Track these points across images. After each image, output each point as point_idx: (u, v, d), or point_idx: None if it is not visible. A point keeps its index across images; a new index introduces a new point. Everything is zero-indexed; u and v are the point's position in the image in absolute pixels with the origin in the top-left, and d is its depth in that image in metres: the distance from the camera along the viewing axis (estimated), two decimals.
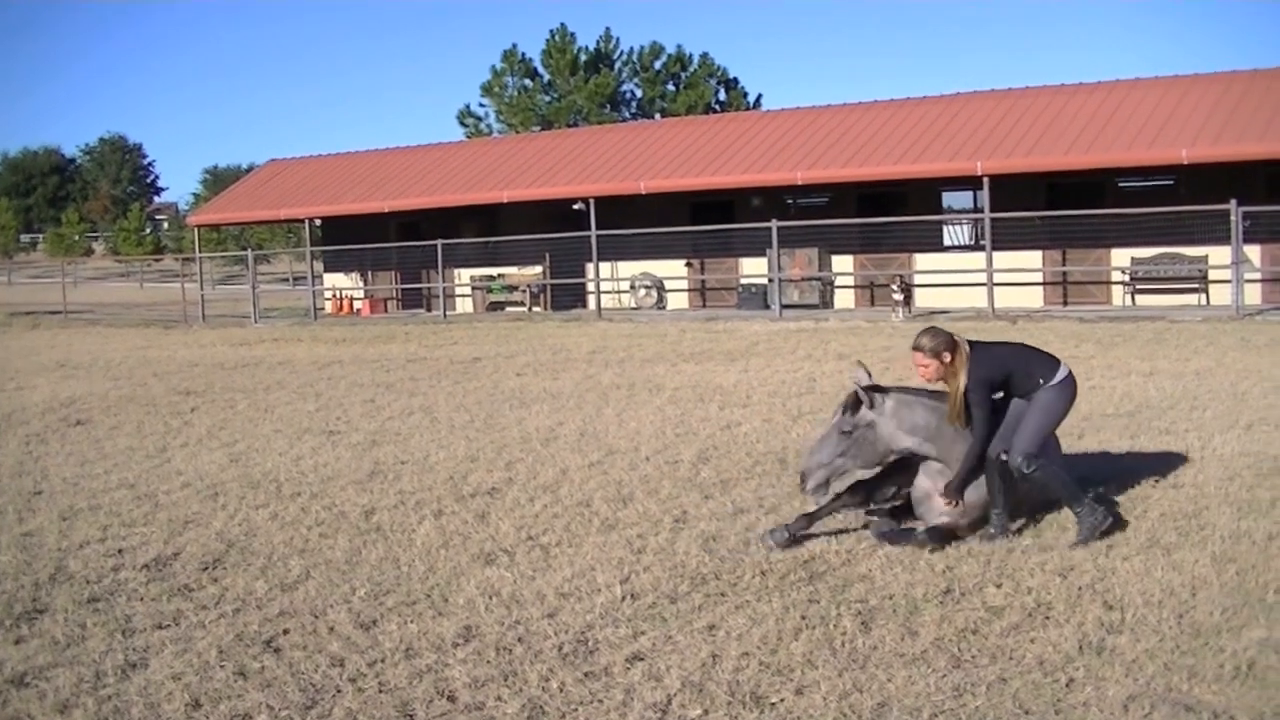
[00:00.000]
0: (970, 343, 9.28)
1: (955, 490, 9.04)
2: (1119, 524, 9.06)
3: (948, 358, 9.15)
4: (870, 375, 9.22)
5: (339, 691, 6.34)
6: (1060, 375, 9.32)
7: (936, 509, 9.17)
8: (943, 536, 8.88)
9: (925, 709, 5.90)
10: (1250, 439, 12.75)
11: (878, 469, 9.58)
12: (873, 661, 6.56)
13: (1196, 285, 34.25)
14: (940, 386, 9.33)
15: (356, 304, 47.45)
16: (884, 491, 9.66)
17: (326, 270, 50.42)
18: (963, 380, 9.05)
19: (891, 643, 6.84)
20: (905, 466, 9.57)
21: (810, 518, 9.31)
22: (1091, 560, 8.38)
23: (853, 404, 9.20)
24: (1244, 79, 34.82)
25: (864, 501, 9.59)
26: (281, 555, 9.20)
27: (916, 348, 9.26)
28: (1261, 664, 6.35)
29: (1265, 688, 6.05)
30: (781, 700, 6.07)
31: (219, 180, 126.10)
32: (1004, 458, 9.04)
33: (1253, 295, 32.82)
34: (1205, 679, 6.19)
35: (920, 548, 8.69)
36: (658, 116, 78.61)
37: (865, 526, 9.39)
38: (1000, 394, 9.25)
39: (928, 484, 9.29)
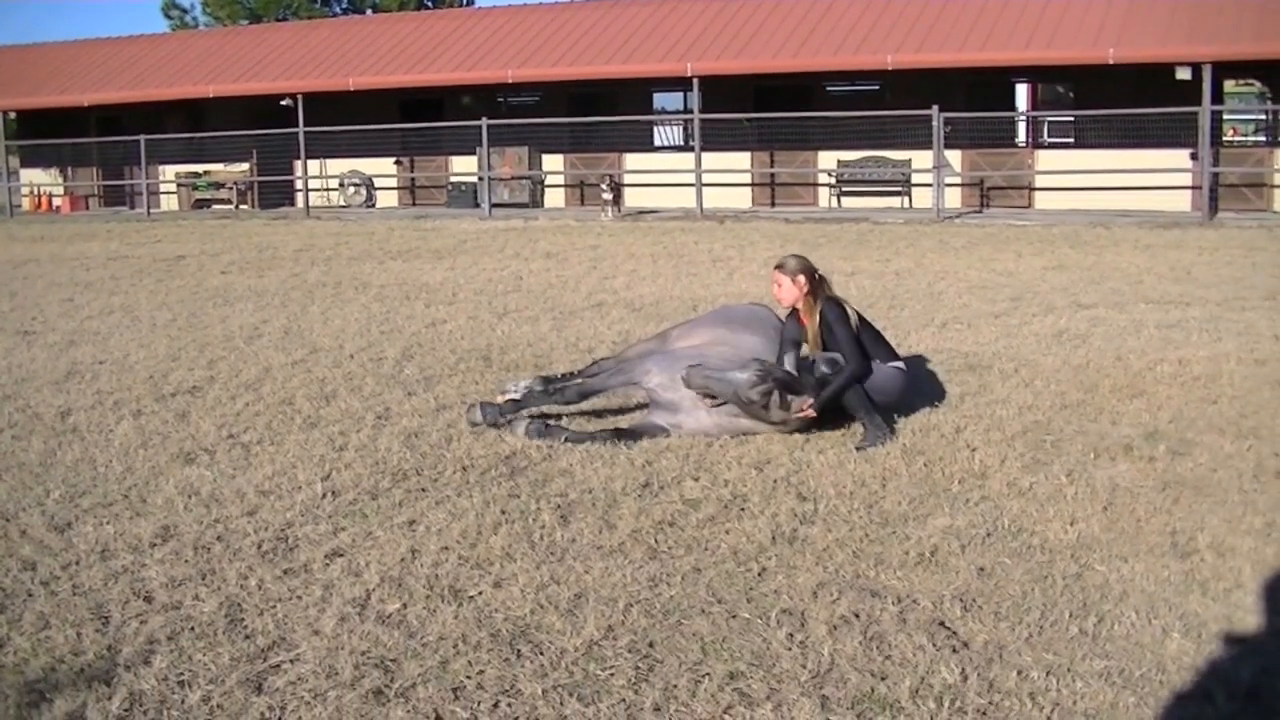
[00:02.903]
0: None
1: (820, 403, 8.94)
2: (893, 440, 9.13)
3: (803, 282, 9.38)
4: None
5: (30, 595, 6.19)
6: (897, 363, 9.61)
7: (683, 410, 9.22)
8: (634, 438, 9.01)
9: (621, 599, 6.02)
10: (944, 336, 13.27)
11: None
12: (570, 554, 6.67)
13: (899, 188, 35.22)
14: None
15: (56, 201, 45.84)
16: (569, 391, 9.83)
17: (23, 166, 48.36)
18: (819, 310, 9.29)
19: (590, 536, 6.96)
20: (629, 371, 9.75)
21: (518, 405, 9.52)
22: (788, 454, 8.62)
23: None
24: None
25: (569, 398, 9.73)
26: None
27: (779, 266, 9.51)
28: (944, 550, 6.64)
29: (946, 572, 6.31)
30: (480, 593, 6.13)
31: None
32: (822, 369, 9.12)
33: (953, 199, 33.91)
34: (891, 565, 6.45)
35: (606, 443, 8.81)
36: (369, 12, 77.26)
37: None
38: None
39: (685, 390, 9.23)
